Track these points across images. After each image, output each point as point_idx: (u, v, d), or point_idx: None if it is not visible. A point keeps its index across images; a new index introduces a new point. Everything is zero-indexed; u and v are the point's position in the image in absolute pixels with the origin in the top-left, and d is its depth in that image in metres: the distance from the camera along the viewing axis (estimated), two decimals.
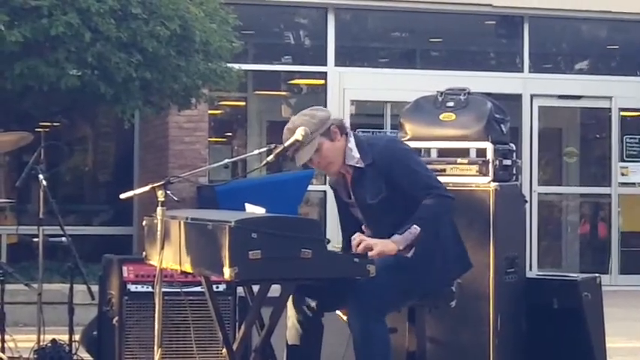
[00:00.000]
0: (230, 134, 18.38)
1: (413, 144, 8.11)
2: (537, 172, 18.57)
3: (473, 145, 8.39)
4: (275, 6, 17.31)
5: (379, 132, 16.76)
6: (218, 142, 17.53)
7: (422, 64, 17.88)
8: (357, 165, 7.24)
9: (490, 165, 8.28)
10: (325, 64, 17.67)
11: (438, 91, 8.70)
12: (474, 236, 7.85)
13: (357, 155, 7.25)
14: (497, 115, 8.46)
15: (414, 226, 6.95)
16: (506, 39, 18.83)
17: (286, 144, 7.31)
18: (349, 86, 17.32)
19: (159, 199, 7.44)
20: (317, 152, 7.20)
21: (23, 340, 9.48)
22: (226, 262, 6.66)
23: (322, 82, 17.57)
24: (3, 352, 9.11)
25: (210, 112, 16.69)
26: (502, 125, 8.50)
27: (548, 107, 18.83)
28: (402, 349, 7.66)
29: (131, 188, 8.33)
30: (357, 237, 7.02)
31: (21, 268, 10.37)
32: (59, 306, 9.49)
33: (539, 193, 18.56)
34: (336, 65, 17.65)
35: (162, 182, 7.51)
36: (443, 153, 8.14)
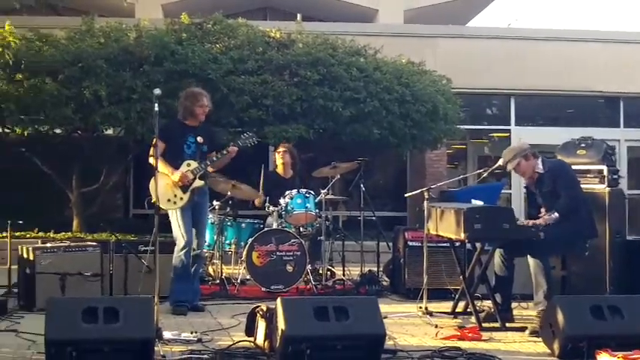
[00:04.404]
0: (457, 163, 18.23)
1: None
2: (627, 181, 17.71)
3: (596, 167, 8.22)
4: (478, 94, 17.10)
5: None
6: (451, 167, 17.41)
7: (565, 123, 17.32)
8: (539, 171, 7.26)
9: (605, 178, 8.13)
10: (509, 125, 17.45)
11: (573, 139, 8.60)
12: (598, 217, 7.67)
13: (540, 166, 7.27)
14: (608, 151, 8.30)
15: (555, 213, 6.94)
16: (609, 109, 18.08)
17: (493, 167, 7.36)
18: (522, 136, 17.04)
19: (425, 197, 7.60)
20: (518, 166, 7.25)
21: (354, 270, 9.57)
22: (462, 229, 6.77)
23: (507, 135, 17.33)
24: (343, 275, 9.33)
25: (447, 151, 16.66)
26: (612, 156, 8.34)
27: (633, 146, 17.91)
28: (558, 277, 7.61)
29: (405, 190, 8.49)
30: (528, 222, 7.03)
31: (351, 232, 10.45)
32: (371, 253, 9.62)
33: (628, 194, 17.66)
34: (516, 125, 17.43)
35: (425, 189, 7.68)
36: (579, 172, 7.98)
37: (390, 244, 9.41)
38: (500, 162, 7.30)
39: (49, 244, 7.78)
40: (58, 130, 12.54)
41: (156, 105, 6.38)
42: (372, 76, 12.67)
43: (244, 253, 8.81)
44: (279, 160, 9.87)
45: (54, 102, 11.45)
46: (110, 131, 12.98)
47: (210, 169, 7.77)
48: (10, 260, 8.14)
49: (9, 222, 8.44)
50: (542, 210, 7.25)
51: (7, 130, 12.37)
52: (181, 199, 7.54)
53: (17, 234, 11.16)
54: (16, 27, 11.95)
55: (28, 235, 11.62)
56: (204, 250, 8.40)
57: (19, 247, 7.76)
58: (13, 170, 13.93)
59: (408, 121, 12.82)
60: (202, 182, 7.65)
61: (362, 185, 9.49)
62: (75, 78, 11.54)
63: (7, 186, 14.22)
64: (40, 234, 11.84)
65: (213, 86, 11.23)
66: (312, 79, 12.21)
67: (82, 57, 11.61)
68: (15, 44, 11.61)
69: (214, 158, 7.69)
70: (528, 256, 6.96)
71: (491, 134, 18.02)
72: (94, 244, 8.05)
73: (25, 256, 7.59)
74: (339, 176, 9.55)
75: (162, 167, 7.34)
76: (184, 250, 7.52)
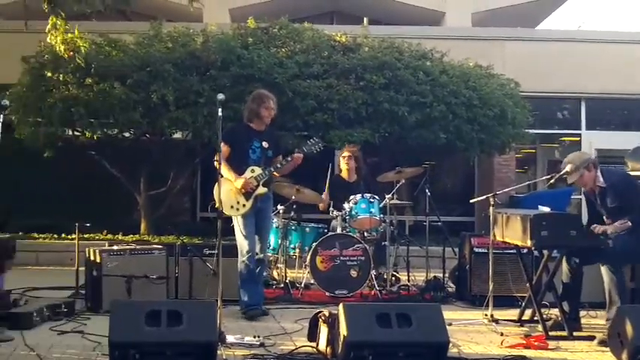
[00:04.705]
0: (527, 167, 17.97)
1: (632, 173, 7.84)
2: None
3: None
4: (548, 98, 16.82)
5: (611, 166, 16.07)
6: (520, 172, 17.17)
7: (636, 128, 16.95)
8: (601, 185, 7.09)
9: None
10: (580, 129, 17.13)
11: None
12: None
13: (602, 179, 7.10)
14: None
15: (628, 221, 6.76)
16: None
17: (560, 173, 7.22)
18: (592, 140, 16.76)
19: (491, 203, 7.49)
20: (580, 177, 7.09)
21: (419, 276, 9.52)
22: (528, 236, 6.65)
23: (577, 139, 17.02)
24: (408, 281, 9.28)
25: (516, 155, 16.43)
26: None
27: None
28: (628, 286, 7.43)
29: (473, 197, 8.41)
30: (596, 227, 6.87)
31: (416, 238, 10.40)
32: (436, 259, 9.51)
33: None
34: (586, 129, 17.11)
35: (492, 194, 7.56)
36: None
37: (456, 249, 9.31)
38: (568, 168, 7.14)
39: (115, 247, 7.88)
40: (126, 134, 12.77)
41: (219, 110, 6.43)
42: (439, 79, 12.58)
43: (308, 257, 8.81)
44: (344, 164, 9.85)
45: (122, 106, 11.66)
46: (177, 135, 13.13)
47: (275, 174, 7.77)
48: (77, 262, 8.28)
49: (76, 224, 8.61)
50: (605, 219, 7.07)
51: (77, 134, 12.62)
52: (244, 206, 7.50)
53: (86, 236, 11.46)
54: (86, 32, 12.21)
55: (96, 238, 11.86)
56: (269, 254, 8.41)
57: (87, 249, 7.88)
58: (82, 173, 14.18)
59: (476, 125, 12.69)
60: (266, 189, 7.60)
61: (427, 190, 9.40)
62: (143, 82, 11.72)
63: (77, 189, 14.60)
64: (109, 236, 12.07)
65: (279, 90, 11.27)
66: (377, 83, 12.18)
67: (150, 61, 11.80)
68: (85, 49, 11.86)
69: (279, 165, 7.64)
70: (602, 269, 6.80)
71: (561, 138, 17.70)
72: (160, 247, 8.14)
73: (92, 258, 7.72)
74: (404, 181, 9.49)
75: (225, 172, 7.38)
76: (248, 255, 7.51)
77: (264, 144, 7.67)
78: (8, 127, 11.78)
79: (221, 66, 11.91)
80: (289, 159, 7.65)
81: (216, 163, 7.07)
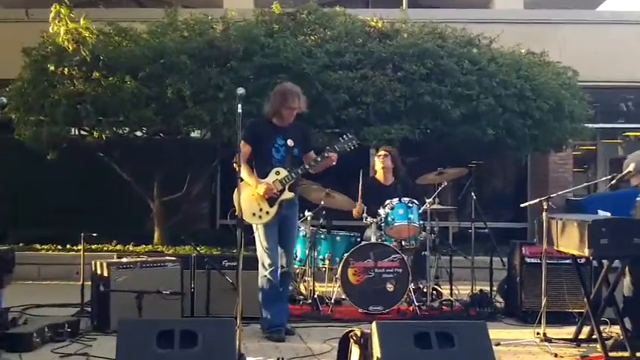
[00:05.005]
0: (586, 167, 17.86)
1: None
2: None
3: None
4: (610, 88, 16.69)
5: None
6: (578, 172, 17.06)
7: None
8: None
9: None
10: None
11: None
12: None
13: None
14: None
15: None
16: None
17: (623, 173, 7.17)
18: None
19: (544, 207, 7.44)
20: None
21: (463, 290, 9.58)
22: (586, 245, 6.60)
23: None
24: (450, 295, 9.26)
25: (573, 153, 16.32)
26: None
27: None
28: None
29: (525, 198, 8.38)
30: None
31: (460, 247, 10.42)
32: (483, 270, 9.47)
33: None
34: None
35: (546, 197, 7.52)
36: None
37: (505, 260, 9.29)
38: (632, 167, 7.09)
39: (124, 259, 7.95)
40: (138, 133, 12.87)
41: (239, 106, 6.45)
42: (487, 69, 12.53)
43: (339, 269, 8.82)
44: (379, 164, 9.86)
45: (134, 102, 11.72)
46: (195, 134, 13.20)
47: (311, 170, 7.68)
48: (83, 276, 8.28)
49: (82, 234, 8.61)
50: None
51: (83, 134, 12.69)
52: (267, 213, 7.50)
53: (93, 247, 11.52)
54: (93, 20, 12.31)
55: (104, 249, 11.95)
56: (295, 267, 8.42)
57: (93, 261, 7.94)
58: (89, 177, 14.32)
59: (528, 119, 12.60)
60: (292, 194, 7.59)
61: (473, 193, 9.39)
62: (156, 76, 11.78)
63: (83, 195, 14.67)
64: (118, 247, 12.18)
65: (307, 82, 11.29)
66: (418, 74, 12.16)
67: (165, 52, 11.86)
68: (91, 39, 11.94)
69: (307, 166, 7.58)
70: None
71: (624, 134, 17.55)
72: (174, 259, 8.20)
73: (99, 272, 7.78)
74: (446, 183, 9.47)
75: (246, 176, 7.37)
76: (270, 269, 7.50)
77: (289, 142, 7.64)
78: (7, 126, 12.04)
79: (243, 56, 11.94)
80: (322, 158, 7.58)
81: (235, 165, 7.05)
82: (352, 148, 7.70)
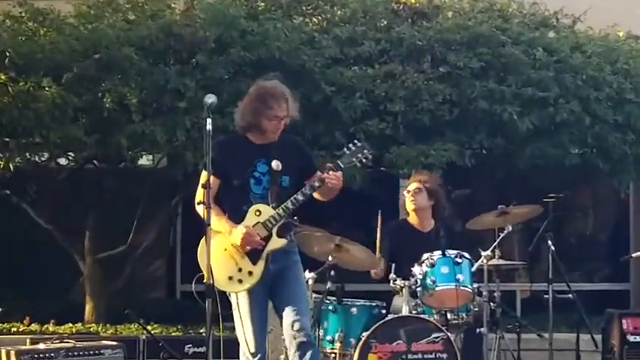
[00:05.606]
0: None
1: None
2: None
3: None
4: None
5: None
6: None
7: None
8: None
9: None
10: None
11: None
12: None
13: None
14: None
15: None
16: None
17: None
18: None
19: None
20: None
21: None
22: None
23: None
24: None
25: None
26: None
27: None
28: None
29: (627, 248, 8.38)
30: None
31: (533, 320, 10.44)
32: (567, 352, 9.49)
33: None
34: None
35: None
36: None
37: (599, 338, 9.28)
38: None
39: (41, 345, 7.93)
40: (62, 161, 12.87)
41: (209, 120, 6.48)
42: (569, 60, 12.64)
43: (356, 354, 8.82)
44: (410, 203, 9.84)
45: (55, 116, 11.68)
46: (145, 160, 13.22)
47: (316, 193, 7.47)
48: None
49: None
50: None
51: None
52: (250, 274, 7.31)
53: None
54: None
55: (13, 329, 11.89)
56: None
57: None
58: None
59: (629, 133, 12.66)
60: (283, 241, 7.48)
61: (551, 241, 9.41)
62: (88, 78, 11.82)
63: None
64: (33, 327, 12.10)
65: (309, 83, 11.38)
66: (468, 69, 12.25)
67: (101, 44, 11.88)
68: None
69: (301, 196, 7.31)
70: None
71: None
72: (114, 343, 8.21)
73: None
74: (511, 227, 9.49)
75: (215, 222, 7.21)
76: None
77: (275, 164, 7.41)
78: None
79: (215, 48, 11.98)
80: (319, 182, 7.34)
81: (199, 206, 7.03)
82: (364, 161, 7.56)
